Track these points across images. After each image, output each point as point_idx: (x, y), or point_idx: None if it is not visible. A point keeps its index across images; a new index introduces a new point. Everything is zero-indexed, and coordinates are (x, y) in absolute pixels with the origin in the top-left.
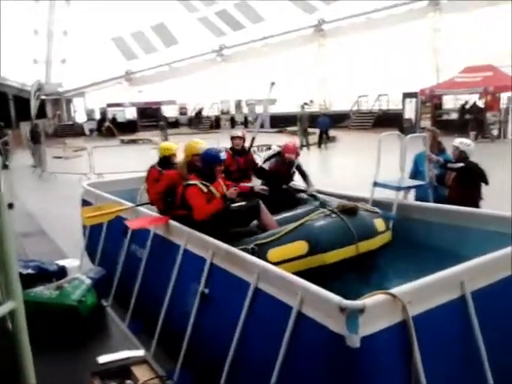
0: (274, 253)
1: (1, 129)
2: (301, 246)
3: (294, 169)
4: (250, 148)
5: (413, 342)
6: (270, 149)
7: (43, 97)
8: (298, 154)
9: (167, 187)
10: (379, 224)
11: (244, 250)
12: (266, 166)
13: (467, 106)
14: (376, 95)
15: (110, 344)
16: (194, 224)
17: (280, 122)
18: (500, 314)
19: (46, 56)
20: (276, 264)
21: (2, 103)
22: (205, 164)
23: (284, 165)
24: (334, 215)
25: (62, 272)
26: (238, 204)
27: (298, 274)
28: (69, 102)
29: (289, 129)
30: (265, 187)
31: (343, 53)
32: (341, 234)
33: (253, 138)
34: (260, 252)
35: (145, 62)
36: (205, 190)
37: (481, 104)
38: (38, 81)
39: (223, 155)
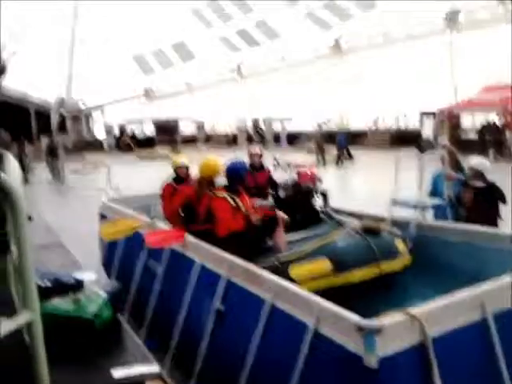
0: (298, 270)
1: (22, 143)
2: (325, 265)
3: (317, 196)
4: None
5: (432, 365)
6: (278, 164)
7: (64, 112)
8: (317, 180)
9: (182, 203)
10: (401, 246)
11: (268, 267)
12: (282, 194)
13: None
14: (394, 114)
15: (125, 359)
16: (214, 239)
17: (297, 140)
18: None
19: (68, 73)
20: (299, 282)
21: (25, 118)
22: (231, 177)
23: (299, 194)
24: (357, 235)
25: (78, 285)
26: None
27: (321, 292)
28: (88, 117)
29: (306, 146)
30: (286, 216)
31: (361, 71)
32: (364, 254)
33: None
34: (283, 269)
35: (164, 79)
36: (232, 203)
37: (499, 123)
38: (59, 97)
39: (248, 167)
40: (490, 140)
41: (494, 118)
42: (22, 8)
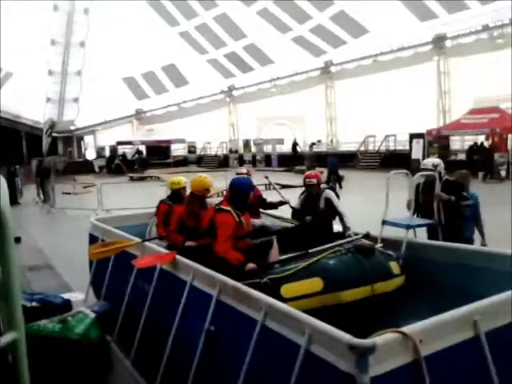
0: (288, 288)
1: (12, 164)
2: (316, 283)
3: (323, 201)
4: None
5: (425, 383)
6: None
7: (55, 134)
8: (320, 183)
9: (178, 223)
10: (394, 266)
11: (257, 283)
12: (297, 204)
13: (474, 147)
14: (383, 136)
15: (113, 380)
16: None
17: (288, 161)
18: None
19: (59, 95)
20: (290, 300)
21: (15, 140)
22: (236, 193)
23: (310, 197)
24: (350, 254)
25: (66, 305)
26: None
27: (312, 311)
28: (80, 139)
29: (296, 168)
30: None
31: (351, 94)
32: (356, 274)
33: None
34: (274, 287)
35: (155, 102)
36: (236, 218)
37: (487, 145)
38: (50, 119)
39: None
40: (477, 160)
41: (483, 139)
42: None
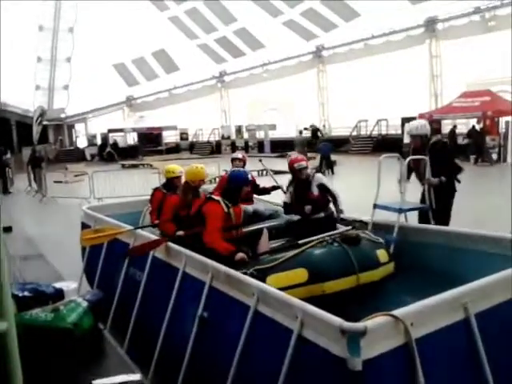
0: (274, 279)
1: (3, 153)
2: (301, 274)
3: (316, 188)
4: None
5: (416, 365)
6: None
7: (45, 122)
8: (316, 171)
9: (172, 213)
10: (382, 255)
11: (244, 274)
12: (287, 196)
13: (465, 131)
14: (375, 120)
15: (107, 368)
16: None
17: (280, 147)
18: (505, 337)
19: (49, 82)
20: None
21: (5, 129)
22: (231, 185)
23: (300, 186)
24: (335, 244)
25: (58, 294)
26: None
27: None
28: (71, 127)
29: (288, 153)
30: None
31: (342, 78)
32: (341, 264)
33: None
34: (260, 277)
35: (146, 88)
36: (225, 209)
37: (478, 128)
38: (40, 107)
39: (250, 177)
40: (468, 144)
41: (474, 123)
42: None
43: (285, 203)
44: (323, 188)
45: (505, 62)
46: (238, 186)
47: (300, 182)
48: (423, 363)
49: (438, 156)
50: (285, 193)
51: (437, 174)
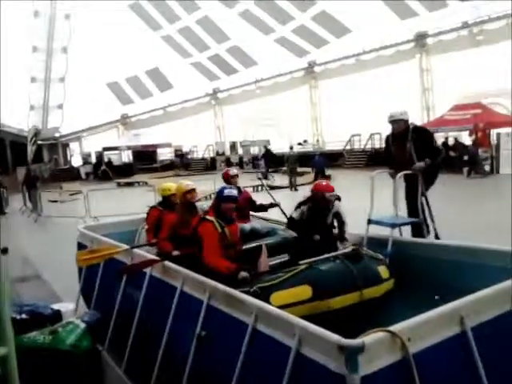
0: (278, 296)
1: None
2: (305, 291)
3: (331, 216)
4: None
5: (414, 380)
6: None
7: (40, 142)
8: (336, 198)
9: (170, 231)
10: (383, 271)
11: (247, 292)
12: (297, 214)
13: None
14: (368, 134)
15: None
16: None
17: (274, 162)
18: (502, 349)
19: (43, 102)
20: (279, 308)
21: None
22: (218, 203)
23: (316, 211)
24: (338, 261)
25: (56, 316)
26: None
27: (302, 318)
28: (65, 146)
29: (283, 169)
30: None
31: (335, 93)
32: (345, 280)
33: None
34: (263, 295)
35: (140, 106)
36: (219, 229)
37: (467, 141)
38: (34, 126)
39: (234, 192)
40: (456, 157)
41: (466, 135)
42: None
43: (291, 218)
44: (337, 216)
45: (494, 74)
46: (222, 203)
47: (319, 208)
48: (421, 378)
49: (420, 139)
50: (289, 218)
51: (422, 158)
